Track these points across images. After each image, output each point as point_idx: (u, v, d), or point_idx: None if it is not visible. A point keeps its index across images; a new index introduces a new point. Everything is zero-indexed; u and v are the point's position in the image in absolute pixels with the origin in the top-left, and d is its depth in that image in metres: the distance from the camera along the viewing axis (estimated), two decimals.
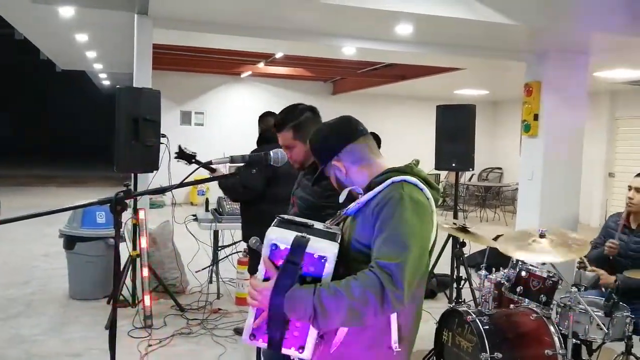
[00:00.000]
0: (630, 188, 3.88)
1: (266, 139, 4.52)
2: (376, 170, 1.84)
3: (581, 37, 5.84)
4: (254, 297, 1.64)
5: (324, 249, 1.61)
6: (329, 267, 1.62)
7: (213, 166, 3.11)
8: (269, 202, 4.28)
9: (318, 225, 1.76)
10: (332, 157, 1.87)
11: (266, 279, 1.64)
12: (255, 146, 4.52)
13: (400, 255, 1.58)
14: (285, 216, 1.77)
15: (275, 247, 1.62)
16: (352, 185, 1.86)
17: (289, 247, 1.61)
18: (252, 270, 4.63)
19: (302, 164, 2.68)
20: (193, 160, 4.50)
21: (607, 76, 8.57)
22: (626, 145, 11.22)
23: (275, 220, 1.74)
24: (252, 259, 4.65)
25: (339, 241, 1.68)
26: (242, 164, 2.40)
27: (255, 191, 4.01)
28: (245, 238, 4.75)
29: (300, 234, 1.63)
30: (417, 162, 1.87)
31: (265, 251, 1.64)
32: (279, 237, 1.63)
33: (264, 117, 4.88)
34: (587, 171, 7.22)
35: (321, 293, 1.56)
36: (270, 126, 4.98)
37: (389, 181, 1.73)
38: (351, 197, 1.86)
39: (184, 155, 4.53)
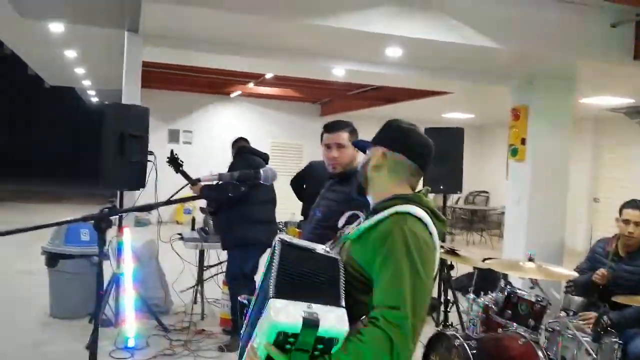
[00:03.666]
0: (628, 222, 3.83)
1: (250, 150, 4.73)
2: (391, 191, 1.79)
3: (567, 63, 5.91)
4: None
5: (336, 332, 1.50)
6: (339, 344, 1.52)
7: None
8: (252, 204, 4.46)
9: (319, 249, 1.70)
10: (389, 147, 1.82)
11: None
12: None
13: (404, 306, 1.54)
14: (286, 238, 1.69)
15: (281, 334, 1.47)
16: (366, 184, 1.85)
17: (297, 332, 1.46)
18: (236, 328, 4.60)
19: (345, 167, 2.81)
20: (181, 169, 4.65)
21: (592, 102, 8.68)
22: (610, 171, 11.34)
23: (276, 243, 1.64)
24: (236, 314, 4.64)
25: (342, 281, 1.60)
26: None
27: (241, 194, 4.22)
28: (228, 244, 4.76)
29: (308, 312, 1.47)
30: (428, 190, 1.84)
31: (268, 337, 1.48)
32: (285, 321, 1.46)
33: (238, 140, 5.19)
34: (572, 196, 7.25)
35: None
36: (246, 144, 5.16)
37: (392, 209, 1.68)
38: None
39: (173, 161, 4.67)
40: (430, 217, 1.71)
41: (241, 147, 5.08)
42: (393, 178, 1.81)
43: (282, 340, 1.46)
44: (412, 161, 1.81)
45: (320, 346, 1.48)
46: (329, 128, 2.87)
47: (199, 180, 2.48)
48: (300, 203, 5.22)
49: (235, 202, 4.57)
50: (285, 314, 1.46)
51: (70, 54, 8.12)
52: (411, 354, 1.57)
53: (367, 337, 1.52)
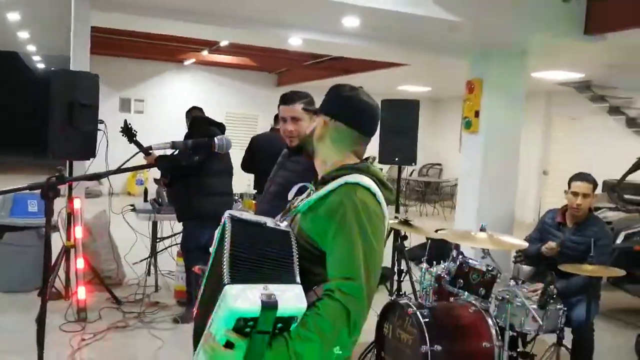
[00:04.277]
0: (576, 194, 3.94)
1: (205, 120, 4.69)
2: (337, 161, 1.78)
3: (520, 36, 5.99)
4: None
5: (295, 310, 1.50)
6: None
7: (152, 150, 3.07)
8: (208, 176, 4.43)
9: (269, 222, 1.68)
10: (330, 115, 1.78)
11: (228, 345, 1.48)
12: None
13: (358, 276, 1.56)
14: (235, 213, 1.66)
15: (241, 320, 1.46)
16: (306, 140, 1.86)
17: (256, 316, 1.46)
18: (190, 299, 4.57)
19: (300, 140, 2.70)
20: (134, 139, 4.57)
21: (544, 77, 8.87)
22: (560, 144, 11.67)
23: (226, 220, 1.62)
24: (191, 286, 4.61)
25: (295, 248, 1.60)
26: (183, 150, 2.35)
27: (196, 162, 4.34)
28: (184, 216, 4.70)
29: (265, 294, 1.45)
30: (374, 159, 1.83)
31: (228, 324, 1.46)
32: (244, 307, 1.43)
33: (192, 109, 5.14)
34: (522, 169, 7.43)
35: (295, 348, 1.49)
36: (200, 114, 5.10)
37: (341, 180, 1.67)
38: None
39: (127, 131, 4.59)
40: (378, 186, 1.71)
41: (196, 117, 4.98)
42: (336, 147, 1.78)
43: (242, 325, 1.45)
44: (354, 129, 1.77)
45: (279, 325, 1.49)
46: (284, 100, 2.79)
47: (150, 148, 2.40)
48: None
49: (190, 173, 4.49)
50: (243, 299, 1.44)
51: (13, 16, 7.74)
52: (364, 320, 1.60)
53: (324, 310, 1.53)
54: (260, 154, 5.13)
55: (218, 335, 1.48)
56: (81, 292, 4.65)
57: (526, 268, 4.12)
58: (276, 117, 5.71)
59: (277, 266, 1.55)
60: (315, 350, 1.51)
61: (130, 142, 4.61)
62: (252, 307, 1.43)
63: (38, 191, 1.92)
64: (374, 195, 1.68)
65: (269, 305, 1.44)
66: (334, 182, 1.68)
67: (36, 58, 13.65)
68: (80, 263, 4.79)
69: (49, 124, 4.54)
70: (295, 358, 1.49)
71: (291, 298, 1.49)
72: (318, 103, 2.48)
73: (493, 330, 3.34)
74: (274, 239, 1.62)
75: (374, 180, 1.71)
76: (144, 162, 4.50)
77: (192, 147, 2.29)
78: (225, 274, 1.49)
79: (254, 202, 5.22)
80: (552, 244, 3.94)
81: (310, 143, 1.86)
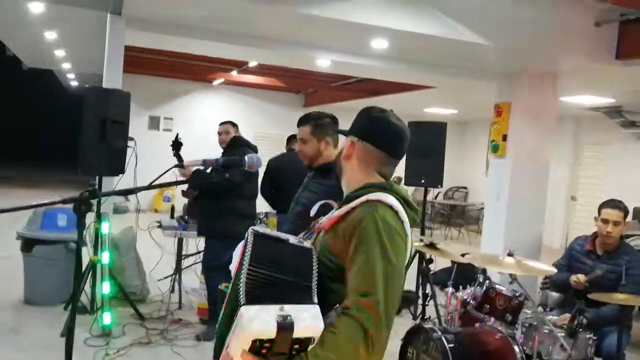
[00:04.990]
0: (607, 222, 3.88)
1: (245, 143, 4.75)
2: (362, 180, 1.78)
3: (551, 60, 5.95)
4: None
5: (311, 331, 1.48)
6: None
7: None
8: (241, 198, 4.50)
9: (292, 239, 1.68)
10: (358, 136, 1.82)
11: None
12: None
13: (376, 292, 1.54)
14: (260, 229, 1.66)
15: (257, 342, 1.44)
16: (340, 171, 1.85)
17: (272, 337, 1.44)
18: (213, 317, 4.59)
19: (310, 160, 2.88)
20: (178, 153, 4.75)
21: (574, 101, 8.78)
22: (589, 170, 11.47)
23: (249, 234, 1.63)
24: (214, 304, 4.64)
25: (315, 266, 1.60)
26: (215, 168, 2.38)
27: (234, 184, 4.44)
28: (210, 234, 4.72)
29: (281, 315, 1.44)
30: (399, 179, 1.84)
31: (244, 344, 1.45)
32: (260, 329, 1.42)
33: (291, 138, 5.59)
34: (551, 194, 7.33)
35: None
36: (240, 135, 5.14)
37: (364, 198, 1.68)
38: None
39: (177, 144, 4.79)
40: (402, 205, 1.71)
41: (237, 137, 4.99)
42: (362, 167, 1.80)
43: (258, 347, 1.44)
44: (381, 149, 1.79)
45: (296, 346, 1.47)
46: (298, 122, 2.97)
47: (182, 164, 2.45)
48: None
49: (223, 192, 4.54)
50: (258, 321, 1.43)
51: (50, 35, 7.96)
52: (385, 341, 1.58)
53: (340, 327, 1.51)
54: (277, 174, 5.14)
55: (235, 357, 1.47)
56: (106, 318, 4.64)
57: (554, 295, 4.04)
58: (289, 138, 5.76)
59: (295, 286, 1.54)
60: None
61: (175, 156, 4.80)
62: (267, 329, 1.42)
63: (68, 206, 1.95)
64: (396, 213, 1.67)
65: (285, 326, 1.43)
66: (357, 200, 1.69)
67: (70, 75, 13.97)
68: (106, 288, 4.77)
69: (81, 140, 4.63)
70: None
71: (308, 319, 1.47)
72: (343, 124, 2.51)
73: (519, 357, 3.27)
74: (295, 256, 1.61)
75: (397, 199, 1.71)
76: (173, 179, 4.55)
77: (222, 164, 2.32)
78: (241, 294, 1.48)
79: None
80: (580, 276, 3.85)
81: (338, 164, 1.87)
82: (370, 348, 1.52)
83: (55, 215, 5.35)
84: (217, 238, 4.67)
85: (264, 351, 1.45)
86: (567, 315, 3.63)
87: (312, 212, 1.86)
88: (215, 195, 4.59)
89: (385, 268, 1.58)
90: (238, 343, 1.46)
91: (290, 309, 1.46)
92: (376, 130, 1.80)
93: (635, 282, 3.65)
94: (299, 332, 1.44)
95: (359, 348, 1.51)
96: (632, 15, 5.20)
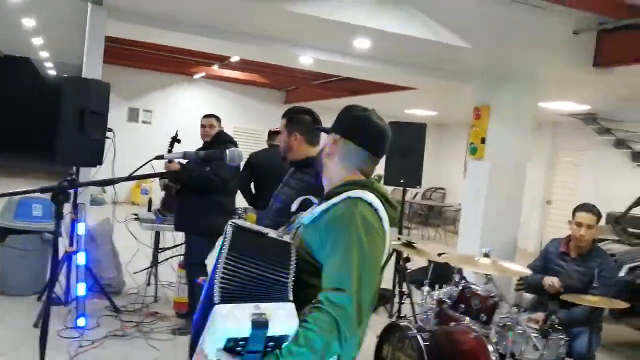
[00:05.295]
0: (580, 225, 3.94)
1: (229, 140, 4.75)
2: (343, 178, 1.80)
3: (530, 66, 6.03)
4: None
5: (286, 329, 1.49)
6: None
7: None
8: (226, 194, 4.50)
9: (272, 233, 1.69)
10: (341, 134, 1.83)
11: None
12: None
13: (350, 286, 1.56)
14: (239, 222, 1.67)
15: (230, 340, 1.45)
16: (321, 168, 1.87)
17: (246, 336, 1.45)
18: (192, 311, 4.56)
19: (283, 153, 2.91)
20: (170, 148, 4.81)
21: (551, 107, 8.91)
22: (564, 175, 11.66)
23: (228, 227, 1.63)
24: (192, 297, 4.64)
25: (293, 260, 1.60)
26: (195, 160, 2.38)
27: (224, 181, 4.44)
28: (193, 230, 4.68)
29: (256, 313, 1.44)
30: (380, 177, 1.87)
31: (218, 344, 1.45)
32: (234, 328, 1.43)
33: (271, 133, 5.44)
34: (527, 197, 7.42)
35: None
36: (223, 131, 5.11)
37: (344, 195, 1.70)
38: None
39: (175, 141, 4.89)
40: (382, 203, 1.73)
41: (221, 132, 4.94)
42: (344, 164, 1.82)
43: (233, 345, 1.45)
44: (363, 148, 1.81)
45: (271, 343, 1.48)
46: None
47: (162, 156, 2.43)
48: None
49: (214, 189, 4.50)
50: (232, 320, 1.43)
51: (29, 22, 7.82)
52: (360, 338, 1.60)
53: (312, 322, 1.52)
54: (257, 170, 5.11)
55: (210, 354, 1.47)
56: (81, 322, 4.53)
57: (528, 296, 4.10)
58: (270, 134, 5.70)
59: (271, 283, 1.54)
60: None
61: (170, 150, 4.97)
62: (241, 328, 1.42)
63: (43, 195, 1.92)
64: (375, 210, 1.70)
65: (259, 325, 1.43)
66: (338, 196, 1.71)
67: (48, 64, 13.75)
68: (81, 289, 4.61)
69: (59, 130, 4.57)
70: None
71: (282, 317, 1.48)
72: (324, 123, 2.52)
73: (493, 357, 3.31)
74: (273, 250, 1.61)
75: (377, 197, 1.73)
76: (151, 171, 4.51)
77: (204, 157, 2.32)
78: (216, 292, 1.48)
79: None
80: (554, 280, 3.91)
81: (319, 161, 1.89)
82: (344, 342, 1.53)
83: (30, 205, 5.28)
84: (201, 234, 4.62)
85: (238, 349, 1.45)
86: (539, 315, 3.69)
87: (293, 208, 1.87)
88: (201, 190, 4.54)
89: (360, 264, 1.59)
90: (213, 341, 1.46)
91: (265, 307, 1.47)
92: (358, 129, 1.83)
93: (605, 285, 3.73)
94: (273, 330, 1.45)
95: (331, 342, 1.52)
96: (610, 25, 5.30)
